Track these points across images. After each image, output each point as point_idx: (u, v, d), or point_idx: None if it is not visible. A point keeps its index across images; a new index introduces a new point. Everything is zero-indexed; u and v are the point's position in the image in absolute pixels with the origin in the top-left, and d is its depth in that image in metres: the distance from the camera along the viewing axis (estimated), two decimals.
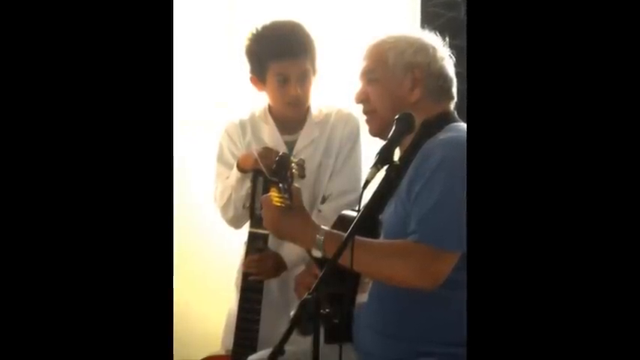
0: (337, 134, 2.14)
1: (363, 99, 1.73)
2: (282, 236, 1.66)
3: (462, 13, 2.41)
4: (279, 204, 1.57)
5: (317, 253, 1.58)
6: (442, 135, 1.60)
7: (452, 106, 1.73)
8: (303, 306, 1.28)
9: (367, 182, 1.41)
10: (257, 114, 2.19)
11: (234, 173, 2.09)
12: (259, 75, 2.08)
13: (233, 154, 2.16)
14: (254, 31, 2.07)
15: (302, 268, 2.06)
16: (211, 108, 2.76)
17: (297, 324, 1.28)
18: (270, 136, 2.15)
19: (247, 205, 2.05)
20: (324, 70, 2.16)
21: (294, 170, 1.64)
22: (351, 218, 1.53)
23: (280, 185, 1.57)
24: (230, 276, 2.24)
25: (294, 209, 1.58)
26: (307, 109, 2.15)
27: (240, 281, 2.06)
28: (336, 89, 2.46)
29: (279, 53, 2.02)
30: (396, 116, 1.49)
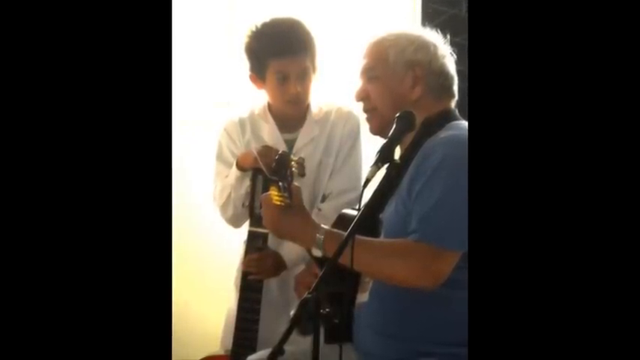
0: (337, 132, 2.14)
1: (363, 97, 1.73)
2: (281, 235, 1.65)
3: (463, 10, 2.41)
4: (278, 203, 1.57)
5: (317, 253, 1.58)
6: (443, 133, 1.60)
7: (453, 104, 1.72)
8: (303, 305, 1.27)
9: (367, 181, 1.40)
10: (256, 112, 2.18)
11: (234, 172, 2.08)
12: (259, 73, 2.08)
13: (232, 153, 2.15)
14: (253, 29, 2.07)
15: (302, 267, 2.06)
16: (210, 108, 2.76)
17: (297, 324, 1.28)
18: (270, 134, 2.15)
19: (247, 203, 2.04)
20: (324, 68, 2.16)
21: (293, 169, 1.64)
22: (352, 217, 1.53)
23: (280, 184, 1.56)
24: (229, 275, 2.24)
25: (294, 208, 1.57)
26: (307, 107, 2.14)
27: (239, 280, 2.06)
28: (336, 87, 2.46)
29: (278, 51, 2.02)
30: (397, 114, 1.49)
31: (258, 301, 2.01)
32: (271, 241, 2.05)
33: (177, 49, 1.71)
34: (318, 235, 1.54)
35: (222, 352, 2.13)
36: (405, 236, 1.53)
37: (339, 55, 2.56)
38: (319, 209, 2.11)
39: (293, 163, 1.68)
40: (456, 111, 1.72)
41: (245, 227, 2.10)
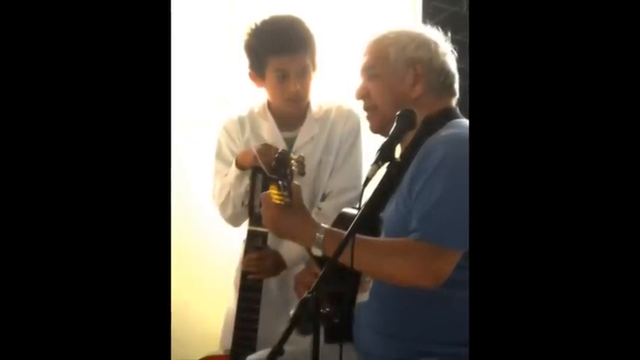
0: (337, 131, 2.14)
1: (363, 95, 1.72)
2: (281, 234, 1.65)
3: (464, 7, 2.41)
4: (278, 202, 1.57)
5: (317, 252, 1.58)
6: (444, 132, 1.60)
7: (454, 102, 1.72)
8: (302, 305, 1.27)
9: (368, 180, 1.40)
10: (256, 110, 2.18)
11: (233, 170, 2.08)
12: (258, 71, 2.07)
13: (232, 151, 2.15)
14: (253, 26, 2.07)
15: (302, 266, 2.06)
16: (210, 107, 2.76)
17: (297, 323, 1.28)
18: (270, 132, 2.14)
19: (246, 202, 2.05)
20: (324, 66, 2.15)
21: (293, 167, 1.63)
22: (352, 216, 1.53)
23: (280, 183, 1.56)
24: (229, 275, 2.24)
25: (294, 207, 1.57)
26: (307, 106, 2.14)
27: (238, 280, 2.06)
28: (336, 85, 2.45)
29: (278, 48, 2.01)
30: (398, 112, 1.48)
31: (258, 301, 2.01)
32: (271, 241, 2.05)
33: (176, 48, 1.71)
34: (318, 234, 1.54)
35: (221, 352, 2.12)
36: (406, 235, 1.53)
37: (339, 52, 2.56)
38: (319, 208, 2.11)
39: (293, 161, 1.67)
40: (457, 109, 1.71)
41: (244, 226, 2.10)
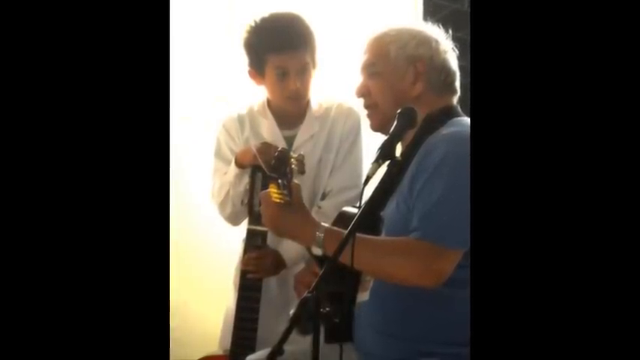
0: (338, 129, 2.14)
1: (364, 93, 1.72)
2: (281, 233, 1.65)
3: (465, 4, 2.42)
4: (278, 200, 1.56)
5: (317, 251, 1.58)
6: (445, 130, 1.59)
7: (455, 100, 1.72)
8: (302, 305, 1.27)
9: (368, 178, 1.40)
10: (255, 108, 2.18)
11: (232, 169, 2.08)
12: (258, 68, 2.07)
13: (231, 150, 2.15)
14: (252, 24, 2.06)
15: (301, 266, 2.06)
16: (209, 105, 2.75)
17: (297, 323, 1.27)
18: (269, 131, 2.14)
19: (246, 201, 2.05)
20: (324, 64, 2.15)
21: (293, 166, 1.62)
22: (352, 215, 1.53)
23: (279, 181, 1.56)
24: (228, 274, 2.24)
25: (294, 206, 1.57)
26: (307, 104, 2.14)
27: (238, 279, 2.06)
28: (336, 83, 2.44)
29: (278, 46, 2.01)
30: (398, 111, 1.48)
31: (257, 301, 2.01)
32: (270, 240, 2.04)
33: (175, 45, 1.70)
34: (318, 233, 1.53)
35: (220, 352, 2.12)
36: (407, 234, 1.53)
37: (339, 50, 2.55)
38: (319, 207, 2.11)
39: (293, 160, 1.66)
40: (458, 107, 1.71)
41: (244, 225, 2.10)
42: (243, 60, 2.10)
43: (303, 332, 1.32)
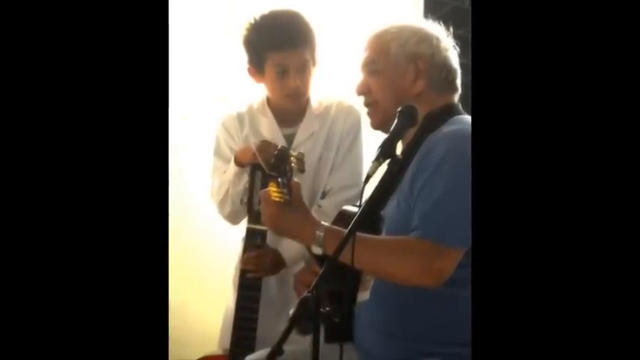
0: (338, 127, 2.13)
1: (364, 91, 1.72)
2: (281, 232, 1.64)
3: (466, 2, 2.43)
4: (277, 199, 1.56)
5: (317, 250, 1.57)
6: (446, 128, 1.59)
7: (456, 98, 1.72)
8: (302, 304, 1.26)
9: (369, 177, 1.39)
10: (255, 106, 2.18)
11: (232, 167, 2.07)
12: (257, 66, 2.07)
13: (230, 148, 2.15)
14: (252, 21, 2.06)
15: (301, 265, 2.06)
16: (208, 103, 2.75)
17: (297, 323, 1.27)
18: (269, 129, 2.13)
19: (245, 200, 2.04)
20: (324, 61, 2.15)
21: (293, 164, 1.62)
22: (352, 214, 1.53)
23: (279, 180, 1.55)
24: (227, 274, 2.24)
25: (294, 204, 1.56)
26: (307, 102, 2.13)
27: (237, 279, 2.06)
28: (336, 81, 2.44)
29: (277, 43, 2.01)
30: (399, 109, 1.48)
31: (257, 300, 2.00)
32: (270, 239, 2.04)
33: (174, 44, 1.70)
34: (318, 232, 1.53)
35: (220, 352, 2.12)
36: (407, 233, 1.52)
37: (339, 48, 2.55)
38: (319, 206, 2.10)
39: (292, 158, 1.66)
40: (459, 105, 1.71)
41: (243, 224, 2.09)
42: (242, 58, 2.10)
43: (303, 332, 1.32)
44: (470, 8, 1.59)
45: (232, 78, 2.60)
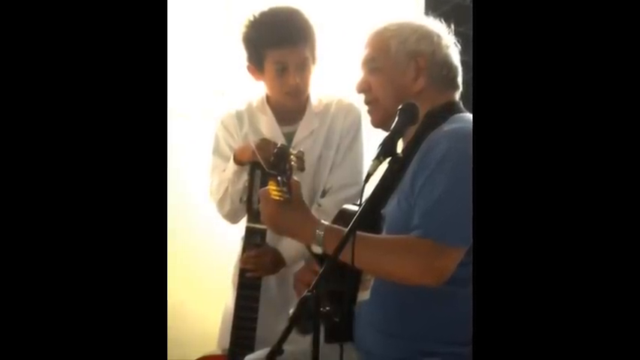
0: (338, 125, 2.13)
1: (364, 88, 1.71)
2: (280, 231, 1.64)
3: None
4: (277, 198, 1.55)
5: (317, 249, 1.57)
6: (447, 126, 1.59)
7: (457, 96, 1.71)
8: (302, 304, 1.26)
9: (369, 175, 1.39)
10: (254, 104, 2.17)
11: (231, 166, 2.07)
12: (257, 63, 2.06)
13: (229, 146, 2.14)
14: (251, 18, 2.06)
15: (301, 264, 2.05)
16: (207, 102, 2.75)
17: (297, 322, 1.27)
18: (268, 127, 2.13)
19: (244, 199, 2.04)
20: (324, 59, 2.14)
21: (293, 163, 1.61)
22: (353, 213, 1.53)
23: (279, 178, 1.54)
24: (227, 273, 2.24)
25: (293, 203, 1.56)
26: (306, 99, 2.13)
27: (237, 278, 2.06)
28: (336, 78, 2.44)
29: (277, 41, 2.00)
30: (399, 106, 1.48)
31: (257, 300, 2.00)
32: (270, 238, 2.04)
33: (173, 41, 1.71)
34: (318, 231, 1.53)
35: (219, 352, 2.12)
36: (408, 232, 1.52)
37: (339, 45, 2.56)
38: (319, 204, 2.10)
39: (292, 156, 1.65)
40: (460, 103, 1.71)
41: (243, 223, 2.09)
42: (241, 55, 2.10)
43: (303, 332, 1.32)
44: (471, 5, 1.58)
45: (231, 75, 2.60)
